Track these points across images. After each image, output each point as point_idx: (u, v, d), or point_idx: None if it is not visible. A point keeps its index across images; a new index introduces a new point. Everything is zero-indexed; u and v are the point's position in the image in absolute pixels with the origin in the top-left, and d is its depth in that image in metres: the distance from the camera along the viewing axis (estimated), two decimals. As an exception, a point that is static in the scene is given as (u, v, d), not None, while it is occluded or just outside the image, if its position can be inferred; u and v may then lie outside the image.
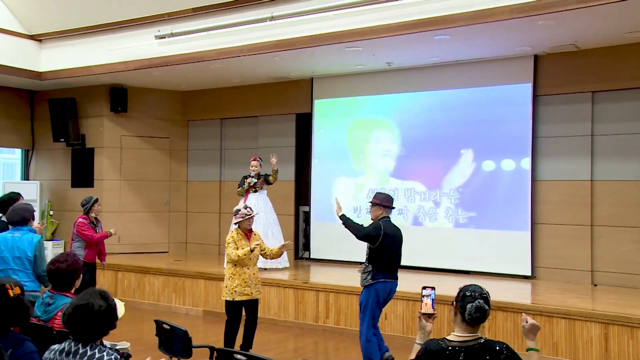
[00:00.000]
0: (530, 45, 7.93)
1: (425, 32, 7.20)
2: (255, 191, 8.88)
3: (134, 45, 9.28)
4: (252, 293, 6.04)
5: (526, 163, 8.45)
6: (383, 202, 5.78)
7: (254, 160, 8.96)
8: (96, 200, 7.65)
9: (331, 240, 9.87)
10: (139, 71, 9.57)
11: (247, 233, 6.09)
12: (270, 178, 8.85)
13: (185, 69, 9.46)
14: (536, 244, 8.41)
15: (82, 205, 7.64)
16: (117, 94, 10.91)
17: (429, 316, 3.00)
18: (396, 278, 5.83)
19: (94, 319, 2.66)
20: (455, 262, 8.87)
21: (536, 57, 8.38)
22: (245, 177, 8.94)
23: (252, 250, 5.90)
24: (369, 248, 5.72)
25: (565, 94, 8.27)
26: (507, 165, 8.60)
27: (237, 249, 5.96)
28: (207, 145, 11.45)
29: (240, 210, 6.04)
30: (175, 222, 11.56)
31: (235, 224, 6.09)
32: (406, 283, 6.87)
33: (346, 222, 5.78)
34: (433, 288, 3.05)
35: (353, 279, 8.31)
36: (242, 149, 11.08)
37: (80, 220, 7.49)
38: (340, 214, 5.80)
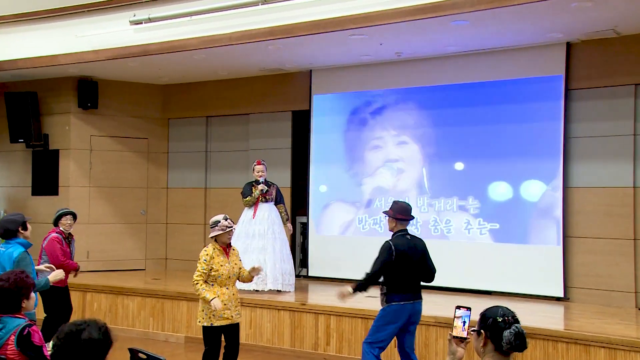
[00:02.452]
0: (562, 31, 7.91)
1: (440, 18, 7.20)
2: (266, 201, 8.80)
3: (105, 31, 9.29)
4: (232, 317, 6.04)
5: (557, 167, 8.40)
6: (396, 214, 5.86)
7: (259, 164, 8.80)
8: (64, 214, 7.53)
9: (332, 255, 9.86)
10: (112, 62, 9.54)
11: (226, 248, 6.08)
12: (282, 215, 8.87)
13: (165, 60, 9.46)
14: (569, 260, 8.38)
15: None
16: (86, 88, 10.89)
17: (461, 340, 3.01)
18: (417, 297, 5.91)
19: (86, 351, 2.70)
20: (475, 281, 8.87)
21: (569, 45, 8.37)
22: (252, 184, 8.79)
23: (211, 301, 5.87)
24: None
25: (603, 88, 8.26)
26: (535, 170, 8.55)
27: (208, 274, 5.95)
28: (191, 147, 11.46)
29: (219, 221, 6.01)
30: (154, 235, 11.56)
31: (213, 237, 6.08)
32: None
33: (360, 287, 5.75)
34: (468, 309, 3.07)
35: (357, 300, 8.28)
36: (230, 152, 11.09)
37: (54, 235, 7.39)
38: (352, 290, 5.77)
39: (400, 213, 5.87)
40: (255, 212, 8.77)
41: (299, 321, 7.90)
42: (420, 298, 5.96)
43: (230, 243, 6.13)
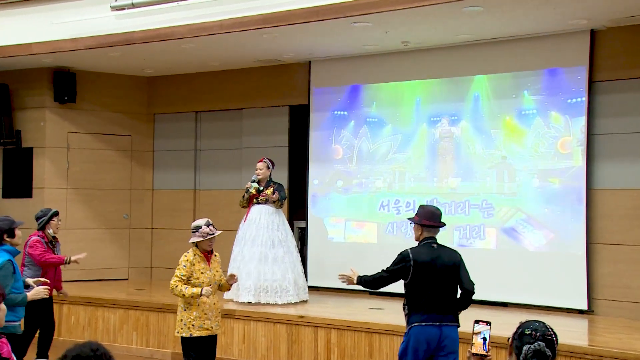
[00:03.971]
0: (586, 17, 7.89)
1: (451, 3, 7.19)
2: (259, 202, 8.79)
3: (84, 17, 9.28)
4: (212, 327, 6.18)
5: (579, 167, 8.38)
6: (422, 219, 5.51)
7: (261, 161, 8.88)
8: (56, 214, 7.57)
9: (334, 263, 9.82)
10: (91, 51, 9.51)
11: (207, 254, 6.19)
12: (276, 204, 8.78)
13: (151, 50, 9.45)
14: (593, 269, 8.36)
15: (37, 220, 7.56)
16: (63, 80, 10.86)
17: (481, 358, 3.07)
18: (447, 320, 5.44)
19: None
20: (488, 291, 8.74)
21: (593, 33, 8.35)
22: (254, 182, 8.83)
23: (201, 294, 5.99)
24: (404, 283, 5.52)
25: (631, 80, 8.24)
26: (556, 170, 8.53)
27: (187, 279, 6.05)
28: (179, 145, 11.45)
29: (200, 227, 6.14)
30: (137, 242, 11.53)
31: (193, 243, 6.18)
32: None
33: (362, 280, 5.65)
34: (488, 323, 3.12)
35: (360, 311, 8.28)
36: (222, 150, 11.11)
37: (35, 238, 7.40)
38: (356, 279, 5.67)
39: (428, 218, 5.48)
40: (247, 215, 8.81)
41: (296, 335, 7.86)
42: (453, 321, 5.48)
43: (212, 250, 6.24)
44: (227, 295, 8.59)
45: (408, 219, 5.77)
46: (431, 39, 8.86)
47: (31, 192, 10.94)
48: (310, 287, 10.02)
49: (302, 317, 7.95)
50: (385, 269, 5.55)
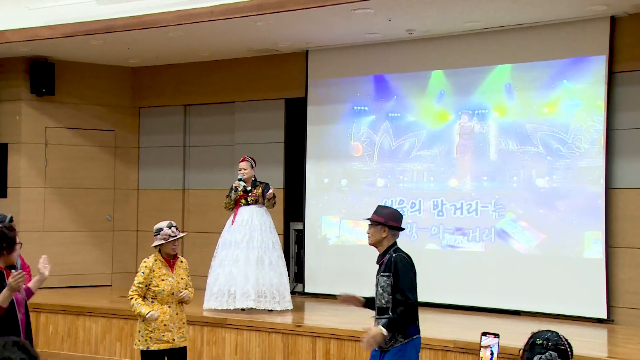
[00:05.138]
0: (606, 2, 7.88)
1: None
2: (249, 203, 8.80)
3: (63, 3, 9.27)
4: (173, 340, 6.15)
5: (598, 165, 8.39)
6: (389, 220, 5.25)
7: (243, 160, 8.95)
8: (11, 220, 7.50)
9: (333, 268, 9.83)
10: (71, 39, 9.51)
11: (170, 260, 6.20)
12: (266, 201, 8.81)
13: (135, 38, 9.45)
14: (613, 275, 8.35)
15: None
16: (40, 71, 10.85)
17: None
18: None
19: None
20: (499, 298, 8.87)
21: (613, 20, 8.35)
22: (242, 182, 8.87)
23: (146, 315, 6.00)
24: (392, 291, 5.15)
25: (655, 71, 8.27)
26: (572, 168, 8.53)
27: (147, 286, 6.07)
28: (166, 141, 11.47)
29: (162, 229, 6.14)
30: (122, 245, 11.53)
31: (156, 247, 6.19)
32: (431, 326, 6.64)
33: (395, 324, 5.09)
34: (496, 336, 3.18)
35: (361, 320, 8.22)
36: (213, 146, 11.14)
37: None
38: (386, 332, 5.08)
39: (395, 220, 5.27)
40: (234, 217, 8.82)
41: (293, 346, 7.85)
42: None
43: (176, 254, 6.25)
44: (218, 303, 8.61)
45: (368, 219, 5.34)
46: (437, 27, 8.86)
47: (6, 192, 10.92)
48: (307, 294, 10.05)
49: (299, 326, 7.96)
50: (409, 288, 5.13)
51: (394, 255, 5.19)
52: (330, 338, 7.69)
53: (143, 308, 6.01)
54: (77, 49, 10.19)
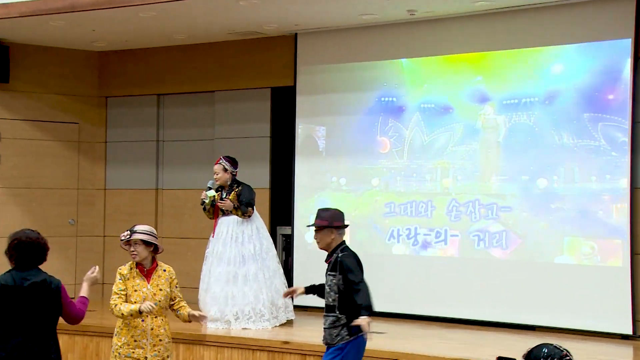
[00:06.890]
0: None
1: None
2: (225, 214, 8.84)
3: (21, -21, 9.24)
4: (145, 358, 6.09)
5: (622, 161, 8.40)
6: (333, 222, 6.01)
7: (216, 163, 8.94)
8: None
9: (324, 277, 9.79)
10: (28, 19, 9.52)
11: (144, 268, 6.15)
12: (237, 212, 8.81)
13: (102, 18, 9.43)
14: (639, 286, 8.33)
15: None
16: (-7, 55, 10.87)
17: None
18: None
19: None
20: (512, 312, 8.89)
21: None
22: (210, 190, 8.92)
23: (140, 312, 5.97)
24: (339, 289, 5.94)
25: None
26: (592, 165, 8.56)
27: (125, 293, 6.08)
28: (137, 135, 11.48)
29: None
30: (86, 252, 11.54)
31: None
32: (436, 342, 6.64)
33: (372, 306, 5.87)
34: None
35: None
36: (190, 141, 11.17)
37: None
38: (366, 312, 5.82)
39: (338, 220, 6.04)
40: (214, 229, 8.89)
41: (280, 365, 7.87)
42: None
43: (156, 261, 6.19)
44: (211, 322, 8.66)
45: (313, 225, 6.10)
46: (442, 6, 8.88)
47: (-47, 192, 10.93)
48: (297, 307, 9.99)
49: (286, 342, 7.98)
50: (360, 279, 5.90)
51: (340, 254, 5.99)
52: (320, 356, 7.62)
53: (132, 305, 5.97)
54: (36, 30, 10.19)
